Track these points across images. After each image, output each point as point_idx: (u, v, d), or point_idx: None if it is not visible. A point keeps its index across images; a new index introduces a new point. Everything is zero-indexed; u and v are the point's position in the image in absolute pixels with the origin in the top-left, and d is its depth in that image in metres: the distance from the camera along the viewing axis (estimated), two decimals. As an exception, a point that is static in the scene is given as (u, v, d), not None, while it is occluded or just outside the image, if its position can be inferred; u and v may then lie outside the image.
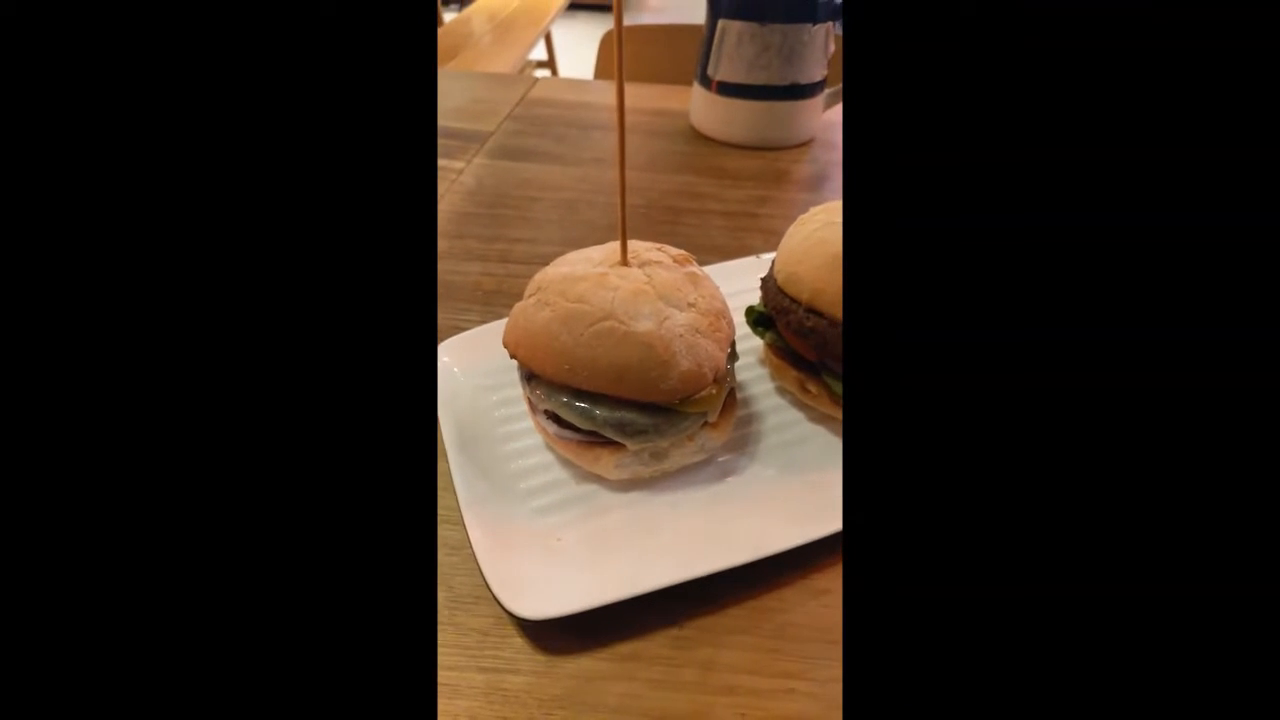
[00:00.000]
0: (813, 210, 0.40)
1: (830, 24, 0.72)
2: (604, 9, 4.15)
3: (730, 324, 0.36)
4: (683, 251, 0.37)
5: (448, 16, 2.47)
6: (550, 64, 2.62)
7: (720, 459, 0.38)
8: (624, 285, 0.32)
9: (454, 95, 0.89)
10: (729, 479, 0.37)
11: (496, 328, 0.46)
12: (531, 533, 0.34)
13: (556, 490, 0.36)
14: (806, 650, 0.31)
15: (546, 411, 0.35)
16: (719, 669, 0.31)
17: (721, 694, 0.30)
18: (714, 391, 0.34)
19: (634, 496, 0.36)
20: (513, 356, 0.35)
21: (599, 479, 0.36)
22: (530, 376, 0.35)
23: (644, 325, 0.31)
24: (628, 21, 1.12)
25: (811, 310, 0.37)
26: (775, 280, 0.39)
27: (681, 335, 0.32)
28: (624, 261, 0.34)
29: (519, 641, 0.31)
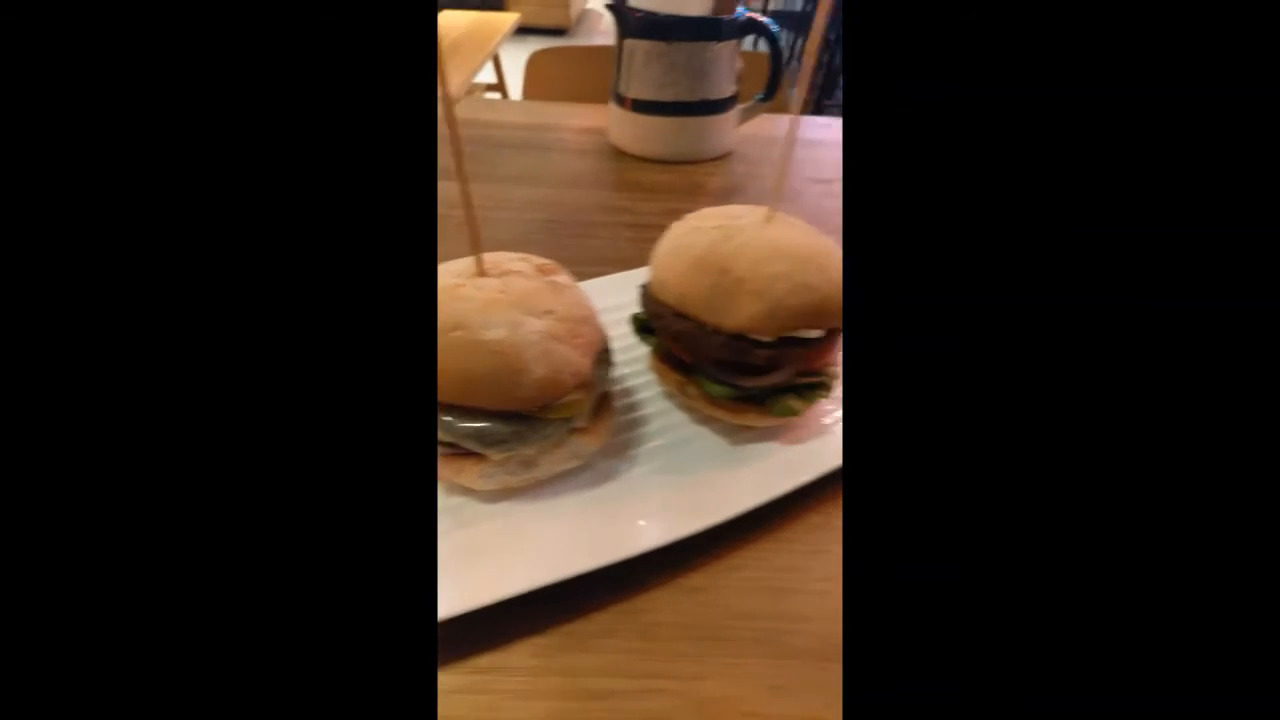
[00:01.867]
0: (686, 217, 0.41)
1: (735, 42, 0.74)
2: (554, 33, 4.20)
3: (596, 330, 0.36)
4: (549, 261, 0.37)
5: (393, 42, 2.45)
6: (500, 87, 2.64)
7: (599, 464, 0.38)
8: (478, 296, 0.33)
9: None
10: (606, 484, 0.37)
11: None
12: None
13: (427, 504, 0.36)
14: (674, 649, 0.31)
15: (410, 424, 0.34)
16: (584, 674, 0.31)
17: (586, 699, 0.30)
18: (579, 398, 0.34)
19: (505, 507, 0.36)
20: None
21: (469, 491, 0.36)
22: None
23: (494, 334, 0.32)
24: (580, 43, 1.14)
25: (680, 314, 0.37)
26: (649, 288, 0.40)
27: (535, 342, 0.32)
28: (481, 273, 0.34)
29: (376, 659, 0.30)
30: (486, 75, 2.49)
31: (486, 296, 0.33)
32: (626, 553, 0.33)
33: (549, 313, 0.34)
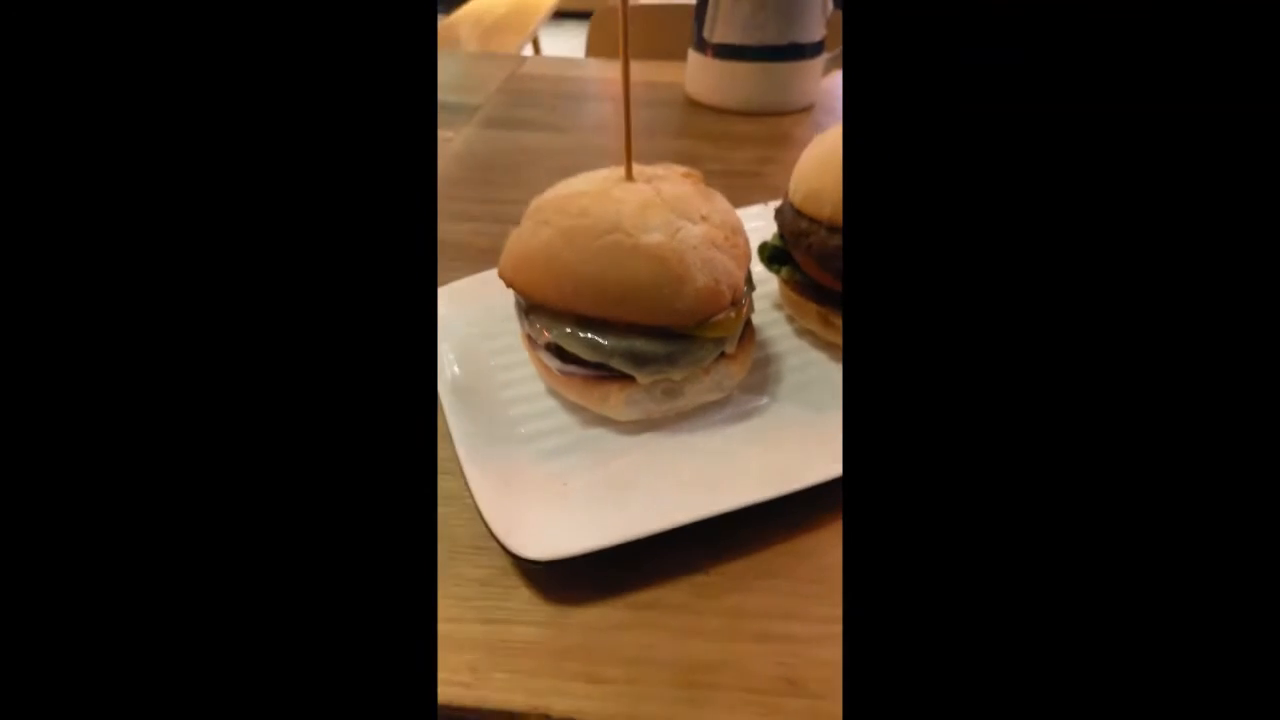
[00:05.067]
0: (829, 130, 0.38)
1: (829, -20, 0.70)
2: (584, 15, 4.16)
3: (747, 243, 0.33)
4: (691, 169, 0.34)
5: (435, 22, 2.46)
6: (540, 67, 2.62)
7: (738, 400, 0.35)
8: (630, 198, 0.29)
9: (441, 71, 0.86)
10: (749, 421, 0.34)
11: (489, 276, 0.43)
12: (536, 477, 0.30)
13: (561, 435, 0.33)
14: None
15: (549, 345, 0.32)
16: (749, 616, 0.27)
17: (753, 641, 0.27)
18: (732, 315, 0.31)
19: (646, 439, 0.33)
20: (509, 285, 0.32)
21: (607, 423, 0.33)
22: (530, 309, 0.32)
23: (654, 238, 0.28)
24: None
25: (835, 228, 0.34)
26: (792, 203, 0.37)
27: (696, 248, 0.29)
28: (629, 177, 0.31)
29: (525, 592, 0.28)
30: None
31: (640, 198, 0.29)
32: (792, 485, 0.29)
33: (705, 219, 0.30)
